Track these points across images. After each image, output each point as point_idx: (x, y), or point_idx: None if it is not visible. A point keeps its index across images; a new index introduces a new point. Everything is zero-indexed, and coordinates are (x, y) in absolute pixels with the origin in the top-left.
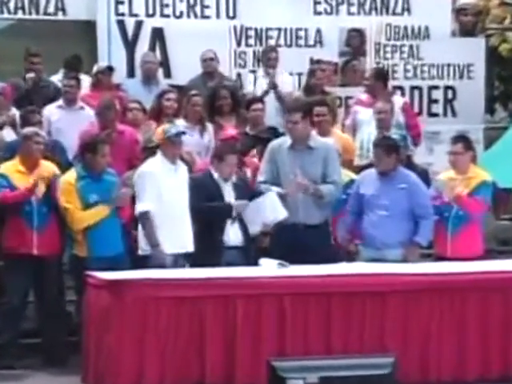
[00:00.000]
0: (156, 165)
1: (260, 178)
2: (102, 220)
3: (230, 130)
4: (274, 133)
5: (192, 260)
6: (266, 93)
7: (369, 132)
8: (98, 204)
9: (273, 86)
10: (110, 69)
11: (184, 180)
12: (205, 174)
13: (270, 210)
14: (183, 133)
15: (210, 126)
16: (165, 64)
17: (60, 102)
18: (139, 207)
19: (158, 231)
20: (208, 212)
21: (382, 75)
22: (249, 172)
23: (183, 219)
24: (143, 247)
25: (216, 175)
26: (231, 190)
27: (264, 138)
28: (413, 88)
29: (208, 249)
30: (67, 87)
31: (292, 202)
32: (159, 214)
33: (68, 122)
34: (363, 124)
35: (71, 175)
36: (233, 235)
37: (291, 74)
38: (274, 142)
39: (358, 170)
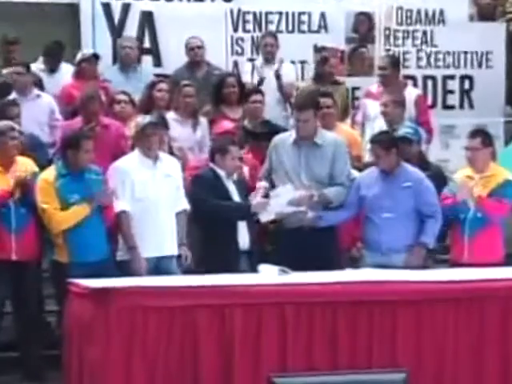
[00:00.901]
0: (130, 160)
1: (260, 175)
2: (84, 222)
3: (226, 124)
4: (269, 126)
5: (204, 266)
6: (260, 82)
7: (380, 126)
8: (79, 204)
9: (276, 75)
10: (96, 57)
11: (166, 176)
12: (207, 171)
13: (287, 199)
14: (155, 124)
15: (203, 120)
16: (154, 52)
17: (13, 94)
18: (115, 206)
19: (134, 232)
20: (224, 212)
21: (397, 63)
22: (246, 170)
23: (162, 218)
24: (122, 252)
25: (220, 172)
26: (234, 188)
27: (257, 133)
28: (426, 78)
29: (221, 254)
30: (15, 75)
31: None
32: (133, 213)
33: (23, 113)
34: (374, 118)
35: (50, 173)
36: (242, 239)
37: (293, 62)
38: (277, 138)
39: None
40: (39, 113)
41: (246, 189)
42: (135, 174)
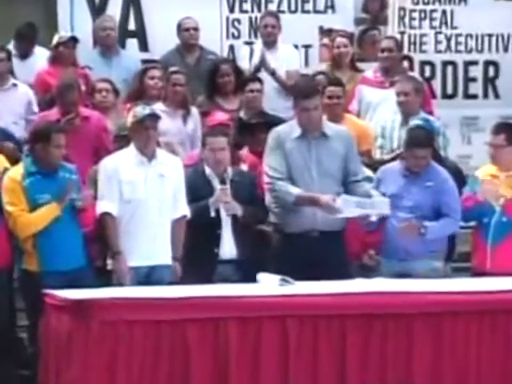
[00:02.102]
0: (123, 157)
1: (273, 173)
2: (56, 226)
3: (219, 115)
4: (265, 117)
5: (183, 275)
6: (257, 69)
7: (393, 119)
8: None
9: (261, 62)
10: (74, 40)
11: (160, 176)
12: (195, 170)
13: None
14: (157, 116)
15: (195, 111)
16: (140, 35)
17: None
18: (98, 207)
19: (120, 237)
20: (193, 215)
21: (401, 46)
22: (245, 169)
23: (153, 224)
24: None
25: (208, 170)
26: (228, 188)
27: (252, 124)
28: (445, 63)
29: (198, 262)
30: None
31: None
32: (121, 216)
33: None
34: (376, 107)
35: (17, 171)
36: (227, 247)
37: (296, 47)
38: (280, 130)
39: (379, 165)
40: (15, 104)
41: (250, 189)
42: (124, 172)
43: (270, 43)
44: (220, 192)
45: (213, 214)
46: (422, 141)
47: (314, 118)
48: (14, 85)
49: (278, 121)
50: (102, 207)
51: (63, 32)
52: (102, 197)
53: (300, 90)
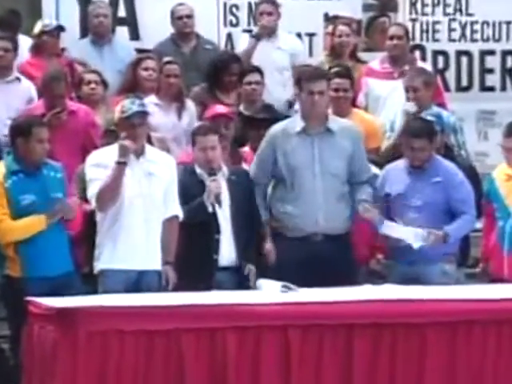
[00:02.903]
0: (108, 153)
1: (253, 176)
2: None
3: (219, 108)
4: (271, 112)
5: (178, 284)
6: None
7: (394, 111)
8: (33, 207)
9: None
10: (61, 28)
11: (148, 174)
12: (184, 169)
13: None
14: (146, 113)
15: (190, 104)
16: (131, 22)
17: None
18: (90, 191)
19: (107, 241)
20: (186, 217)
21: (412, 35)
22: (246, 167)
23: (140, 225)
24: (98, 262)
25: (198, 170)
26: (225, 188)
27: (257, 119)
28: (460, 53)
29: (196, 270)
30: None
31: (310, 205)
32: (104, 217)
33: None
34: (384, 101)
35: None
36: (227, 252)
37: (299, 35)
38: (277, 128)
39: (385, 161)
40: (14, 99)
41: (252, 186)
42: (109, 169)
43: (270, 32)
44: (211, 183)
45: (210, 209)
46: (418, 131)
47: (318, 103)
48: (18, 79)
49: (282, 116)
50: (94, 190)
51: (47, 20)
52: (91, 194)
53: (305, 71)
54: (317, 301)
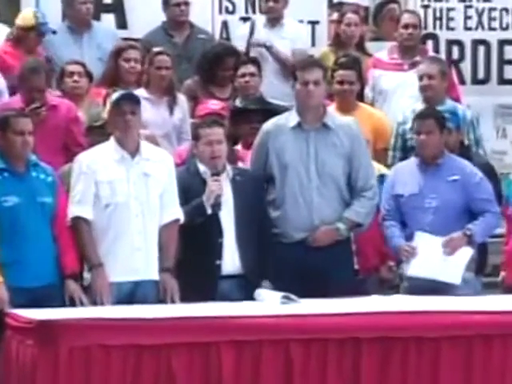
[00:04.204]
0: (100, 152)
1: None
2: (24, 233)
3: (212, 104)
4: (264, 105)
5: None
6: (248, 45)
7: (413, 109)
8: (16, 210)
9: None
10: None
11: (145, 175)
12: (187, 169)
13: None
14: (136, 99)
15: (182, 99)
16: (118, 9)
17: None
18: (70, 212)
19: (99, 247)
20: (186, 218)
21: (420, 22)
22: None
23: (137, 231)
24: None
25: (202, 168)
26: (229, 189)
27: (249, 110)
28: (476, 43)
29: (196, 278)
30: None
31: (303, 207)
32: (97, 223)
33: None
34: (392, 94)
35: None
36: (230, 259)
37: (301, 22)
38: (270, 123)
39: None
40: None
41: (259, 188)
42: (102, 170)
43: (273, 20)
44: (212, 183)
45: (209, 211)
46: (424, 112)
47: (313, 94)
48: None
49: (280, 110)
50: (74, 211)
51: (27, 9)
52: (74, 198)
53: (300, 61)
54: (320, 313)
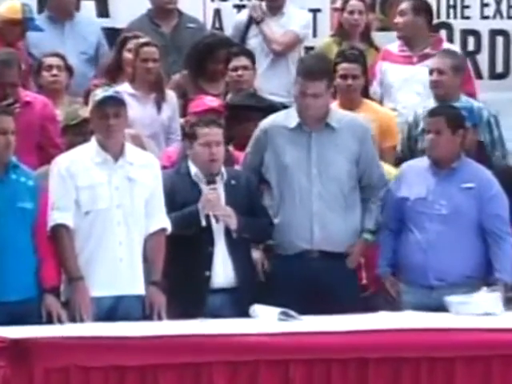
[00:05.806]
0: (81, 154)
1: None
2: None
3: (209, 100)
4: (257, 101)
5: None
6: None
7: (424, 107)
8: None
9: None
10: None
11: (129, 180)
12: (177, 172)
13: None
14: (121, 101)
15: (172, 95)
16: None
17: None
18: (50, 219)
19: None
20: (175, 226)
21: (423, 8)
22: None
23: (120, 241)
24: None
25: (194, 171)
26: (222, 194)
27: (244, 107)
28: (494, 33)
29: (183, 291)
30: None
31: (303, 214)
32: (77, 232)
33: None
34: (398, 89)
35: None
36: (222, 270)
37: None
38: (270, 121)
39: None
40: None
41: (254, 192)
42: (82, 174)
43: (275, 8)
44: (208, 193)
45: (204, 222)
46: (435, 111)
47: (311, 108)
48: None
49: (275, 106)
50: (55, 218)
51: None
52: (54, 205)
53: (303, 67)
54: (323, 330)
